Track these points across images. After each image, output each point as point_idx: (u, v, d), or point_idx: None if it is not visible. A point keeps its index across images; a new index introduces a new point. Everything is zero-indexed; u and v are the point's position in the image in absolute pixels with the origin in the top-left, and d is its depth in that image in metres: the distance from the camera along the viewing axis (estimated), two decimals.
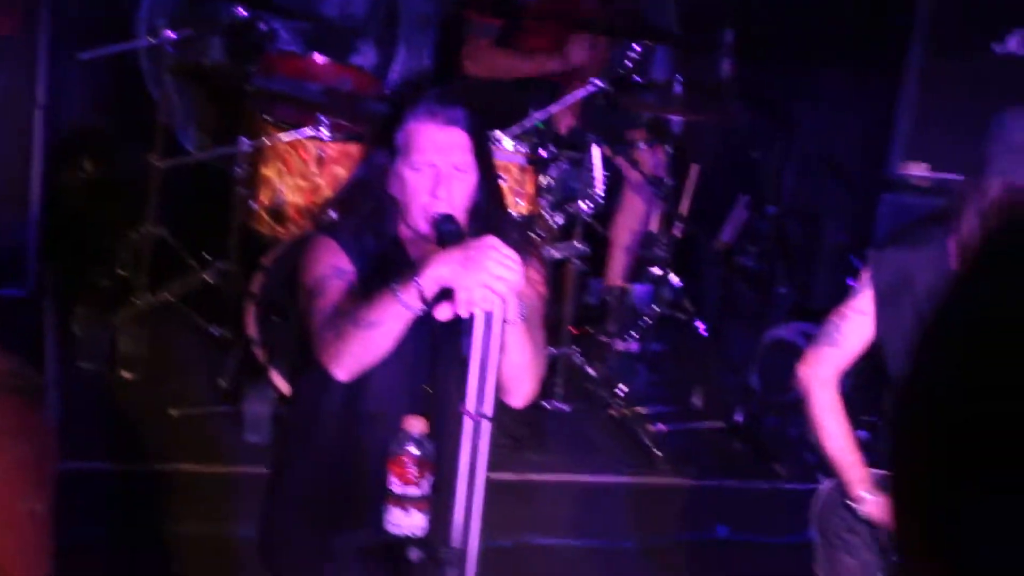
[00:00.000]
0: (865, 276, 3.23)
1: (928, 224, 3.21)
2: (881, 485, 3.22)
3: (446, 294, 2.63)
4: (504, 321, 2.61)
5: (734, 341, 5.64)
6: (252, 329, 4.68)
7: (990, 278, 0.83)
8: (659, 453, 4.90)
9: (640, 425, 5.01)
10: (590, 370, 5.12)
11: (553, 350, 4.96)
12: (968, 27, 5.45)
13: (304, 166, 4.99)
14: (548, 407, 5.03)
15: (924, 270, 3.11)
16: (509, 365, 2.75)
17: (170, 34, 5.05)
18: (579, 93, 5.13)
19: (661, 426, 5.01)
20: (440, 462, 2.62)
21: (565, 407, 5.02)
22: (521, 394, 2.88)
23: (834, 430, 3.24)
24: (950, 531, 0.81)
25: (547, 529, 4.48)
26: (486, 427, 2.59)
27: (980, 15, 5.45)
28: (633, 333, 5.38)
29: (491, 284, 2.58)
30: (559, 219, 5.20)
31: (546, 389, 5.04)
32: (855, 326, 3.24)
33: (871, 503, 3.19)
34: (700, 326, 5.49)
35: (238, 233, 5.05)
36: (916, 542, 0.84)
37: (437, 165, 2.88)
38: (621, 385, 5.16)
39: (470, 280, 2.60)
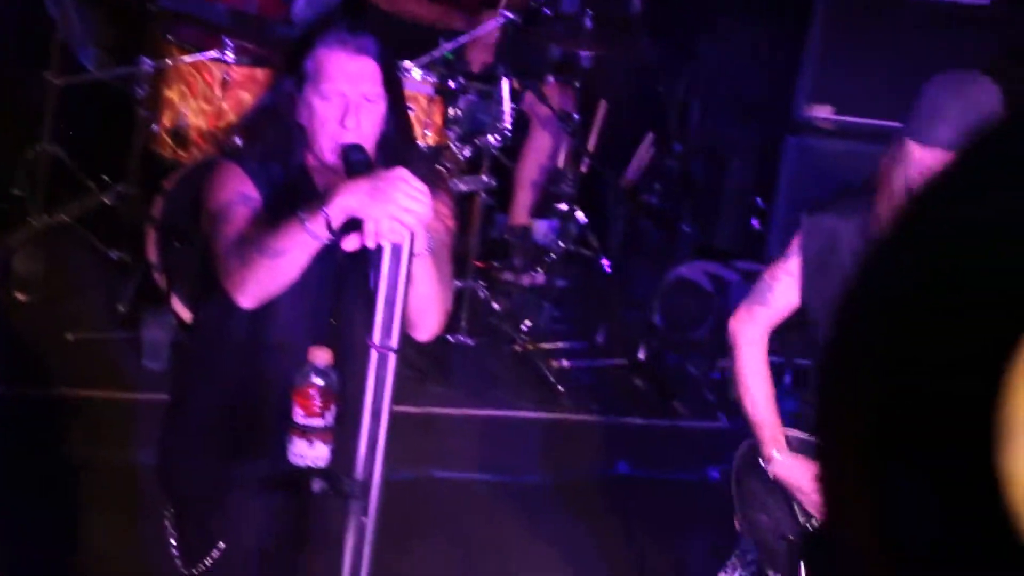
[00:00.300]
0: (796, 241, 3.25)
1: (858, 192, 3.23)
2: (795, 446, 3.26)
3: (354, 224, 2.60)
4: (412, 254, 2.58)
5: (638, 278, 5.66)
6: (152, 254, 4.62)
7: (908, 246, 0.82)
8: (561, 389, 4.93)
9: (543, 360, 5.03)
10: (495, 304, 5.12)
11: (458, 284, 4.94)
12: None
13: (208, 89, 4.93)
14: (452, 340, 5.02)
15: (851, 238, 3.14)
16: (416, 298, 2.72)
17: None
18: (489, 25, 5.09)
19: (564, 362, 5.03)
20: (345, 394, 2.59)
21: (469, 341, 5.02)
22: (427, 327, 2.85)
23: (755, 389, 3.28)
24: (873, 503, 0.80)
25: (449, 463, 4.48)
26: (392, 360, 2.56)
27: None
28: (538, 268, 5.38)
29: (399, 216, 2.54)
30: (467, 152, 5.17)
31: (451, 323, 5.02)
32: (785, 288, 3.26)
33: (780, 464, 3.23)
34: (605, 263, 5.50)
35: (139, 156, 4.98)
36: (840, 509, 0.84)
37: (346, 94, 2.83)
38: (526, 320, 5.17)
39: (378, 211, 2.56)
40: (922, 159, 3.01)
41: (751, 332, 3.30)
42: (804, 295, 3.24)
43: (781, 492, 3.31)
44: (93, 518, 3.91)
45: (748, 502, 3.39)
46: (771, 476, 3.27)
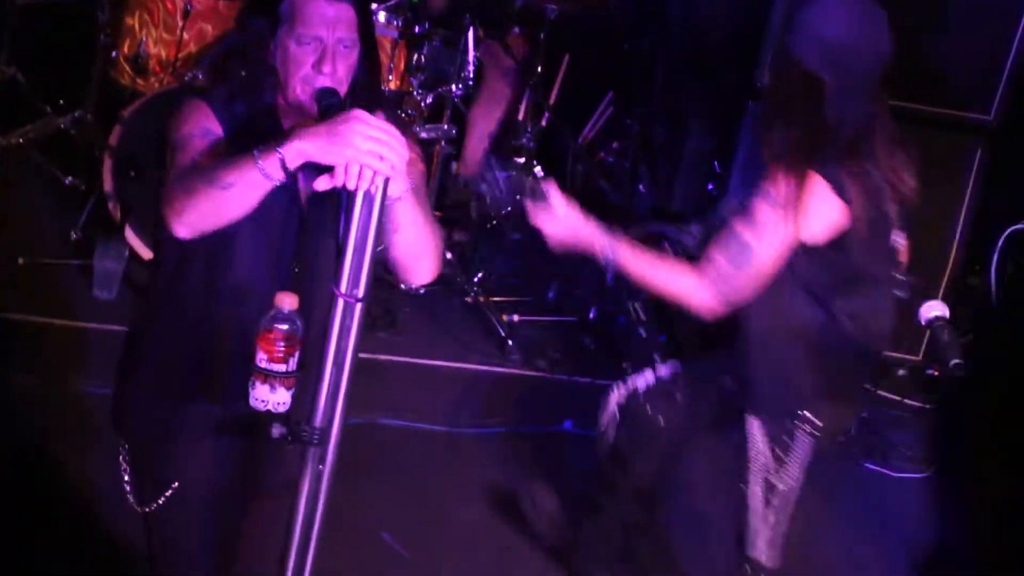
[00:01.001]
0: None
1: None
2: None
3: (325, 167, 2.58)
4: (384, 199, 2.57)
5: None
6: (107, 183, 4.59)
7: None
8: (511, 343, 4.95)
9: (494, 314, 5.04)
10: (448, 255, 5.12)
11: None
12: None
13: (170, 18, 4.90)
14: (402, 288, 5.02)
15: None
16: (406, 243, 2.72)
17: None
18: None
19: (515, 316, 5.04)
20: (307, 340, 2.59)
21: (420, 289, 5.01)
22: (425, 270, 2.82)
23: None
24: None
25: (395, 411, 4.49)
26: (358, 309, 2.56)
27: None
28: (492, 222, 5.38)
29: (361, 159, 2.53)
30: (428, 99, 5.15)
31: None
32: None
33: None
34: None
35: (97, 82, 4.94)
36: None
37: (323, 39, 2.81)
38: (478, 272, 5.17)
39: (335, 155, 2.53)
40: None
41: None
42: None
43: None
44: (42, 446, 3.89)
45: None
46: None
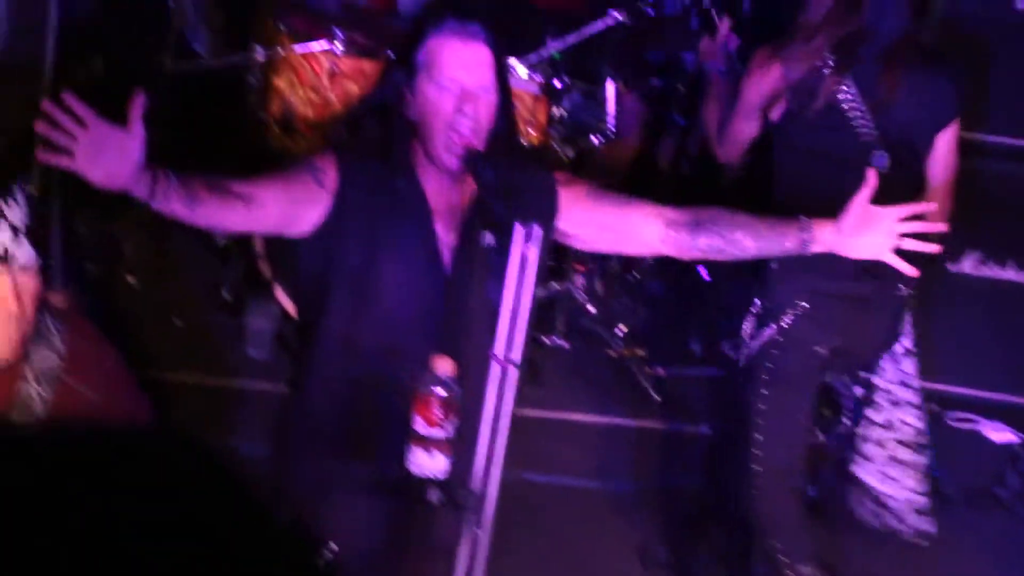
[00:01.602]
0: None
1: None
2: None
3: (495, 224, 2.58)
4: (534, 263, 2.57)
5: (736, 286, 5.61)
6: (258, 243, 4.66)
7: None
8: (657, 397, 4.92)
9: (639, 367, 5.01)
10: (591, 308, 5.11)
11: (555, 286, 4.95)
12: None
13: (317, 79, 4.95)
14: (548, 343, 5.02)
15: None
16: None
17: None
18: (597, 25, 5.07)
19: (660, 369, 5.01)
20: (464, 404, 2.60)
21: (564, 344, 5.02)
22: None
23: None
24: None
25: (540, 466, 4.47)
26: (514, 373, 2.57)
27: None
28: (635, 274, 5.36)
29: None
30: (569, 152, 5.16)
31: (546, 325, 5.04)
32: None
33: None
34: (702, 269, 5.47)
35: (247, 142, 5.00)
36: None
37: (462, 82, 2.82)
38: (621, 325, 5.15)
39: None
40: None
41: None
42: None
43: None
44: None
45: None
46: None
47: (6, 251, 2.42)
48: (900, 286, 3.71)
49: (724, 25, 4.03)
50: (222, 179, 2.69)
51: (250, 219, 2.72)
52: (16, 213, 2.43)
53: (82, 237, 4.84)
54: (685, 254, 2.99)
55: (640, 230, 2.97)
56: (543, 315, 5.03)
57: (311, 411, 2.99)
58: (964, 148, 3.85)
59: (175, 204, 2.60)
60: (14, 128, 4.92)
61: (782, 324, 3.64)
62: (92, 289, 4.75)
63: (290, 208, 2.76)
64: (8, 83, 4.89)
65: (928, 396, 5.01)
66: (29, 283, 2.46)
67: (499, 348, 2.56)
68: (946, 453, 4.72)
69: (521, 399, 4.60)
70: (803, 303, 3.61)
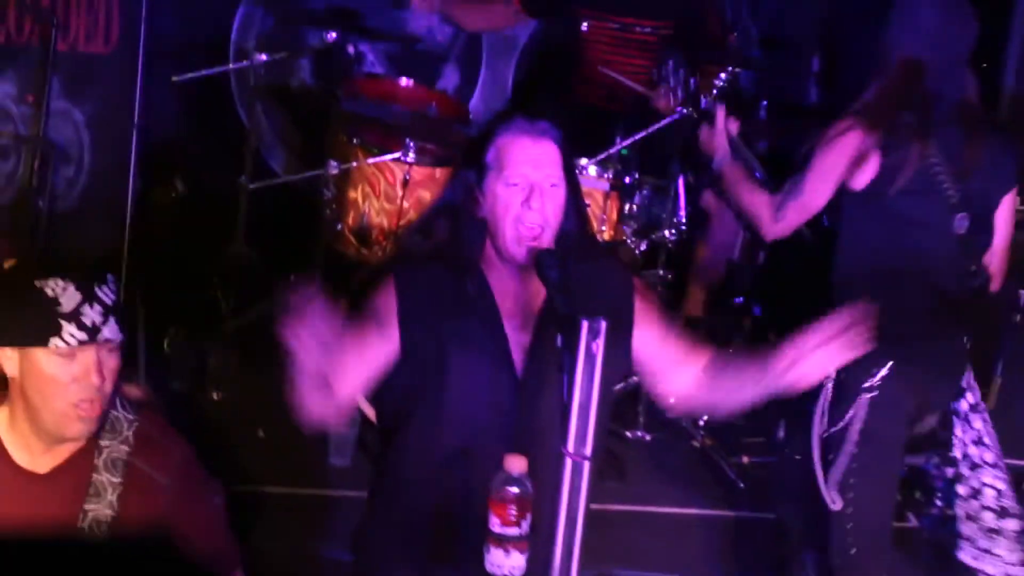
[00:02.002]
0: None
1: None
2: None
3: (563, 319, 2.60)
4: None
5: None
6: None
7: None
8: (742, 485, 4.88)
9: (723, 456, 4.98)
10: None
11: (635, 379, 4.93)
12: None
13: (390, 188, 5.02)
14: (630, 436, 5.01)
15: None
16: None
17: (260, 57, 5.08)
18: (665, 121, 5.10)
19: (744, 458, 4.97)
20: (536, 499, 2.60)
21: (647, 436, 5.00)
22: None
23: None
24: None
25: (628, 560, 4.44)
26: (586, 468, 2.56)
27: None
28: None
29: None
30: (643, 246, 5.18)
31: (628, 418, 5.03)
32: None
33: None
34: None
35: (324, 254, 5.08)
36: None
37: (530, 177, 2.87)
38: (703, 416, 5.13)
39: None
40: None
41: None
42: None
43: None
44: None
45: None
46: None
47: (95, 326, 2.56)
48: (964, 339, 3.79)
49: (720, 113, 4.21)
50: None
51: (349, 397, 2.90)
52: (108, 295, 2.59)
53: (169, 357, 4.94)
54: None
55: (681, 373, 3.03)
56: (625, 409, 5.02)
57: (392, 516, 3.01)
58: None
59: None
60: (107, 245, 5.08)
61: (868, 388, 3.64)
62: (178, 405, 4.84)
63: (371, 367, 2.89)
64: (95, 203, 5.06)
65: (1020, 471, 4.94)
66: (112, 360, 2.62)
67: (570, 444, 2.56)
68: None
69: (606, 494, 4.63)
70: (886, 365, 3.60)
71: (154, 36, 5.13)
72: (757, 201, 3.95)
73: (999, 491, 3.93)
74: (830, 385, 3.71)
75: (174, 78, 5.07)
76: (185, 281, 5.32)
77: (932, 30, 3.64)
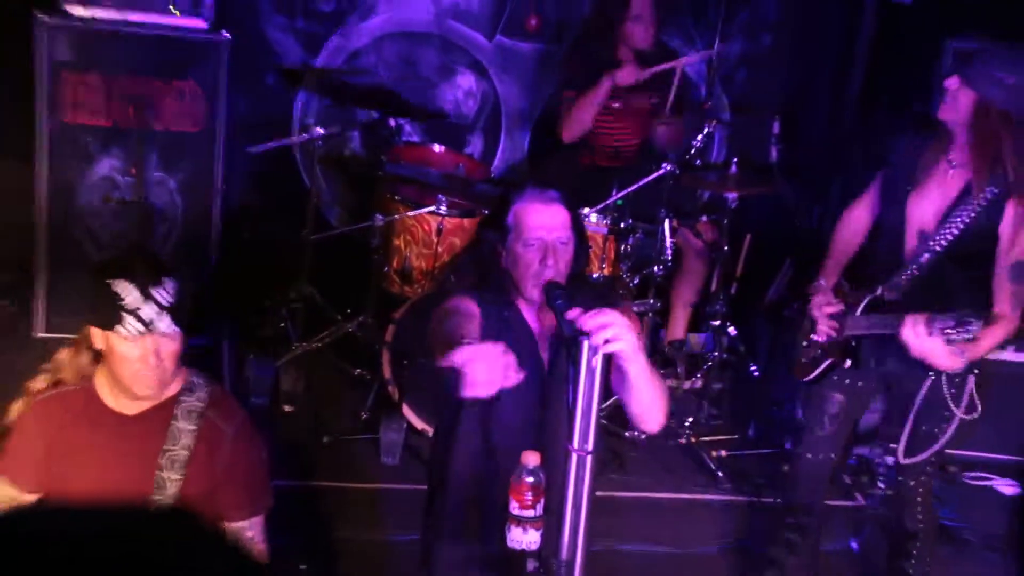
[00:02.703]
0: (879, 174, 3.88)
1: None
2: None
3: (568, 341, 2.63)
4: (626, 362, 2.63)
5: (781, 381, 5.60)
6: (386, 371, 4.75)
7: None
8: (720, 474, 4.91)
9: (705, 451, 5.01)
10: None
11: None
12: None
13: (427, 236, 5.05)
14: (627, 436, 5.04)
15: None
16: (640, 400, 2.76)
17: (318, 131, 5.13)
18: (652, 176, 5.15)
19: (722, 452, 5.00)
20: (551, 488, 2.65)
21: (642, 435, 5.03)
22: (655, 421, 2.86)
23: (834, 239, 3.96)
24: None
25: (629, 538, 4.48)
26: (589, 461, 2.61)
27: None
28: (698, 375, 5.38)
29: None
30: (636, 280, 5.22)
31: (626, 420, 5.05)
32: (872, 196, 3.88)
33: (818, 285, 3.93)
34: (753, 368, 5.48)
35: (374, 292, 5.10)
36: None
37: (545, 239, 2.90)
38: (688, 417, 5.17)
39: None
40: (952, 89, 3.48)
41: (851, 212, 3.95)
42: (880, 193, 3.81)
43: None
44: None
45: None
46: (808, 290, 3.95)
47: (151, 321, 2.67)
48: None
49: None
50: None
51: None
52: (164, 295, 2.69)
53: (249, 378, 4.97)
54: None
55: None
56: (623, 413, 5.04)
57: (442, 503, 3.05)
58: None
59: None
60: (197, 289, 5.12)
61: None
62: (258, 417, 4.87)
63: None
64: (187, 253, 5.09)
65: (950, 460, 4.96)
66: (170, 346, 2.72)
67: (575, 441, 2.62)
68: (965, 507, 4.65)
69: (611, 484, 4.66)
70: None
71: (232, 117, 5.16)
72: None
73: None
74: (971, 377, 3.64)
75: (248, 150, 5.15)
76: (261, 315, 5.36)
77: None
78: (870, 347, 3.79)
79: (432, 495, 3.13)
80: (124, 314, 2.66)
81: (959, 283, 3.58)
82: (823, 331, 3.83)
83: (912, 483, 3.80)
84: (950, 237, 3.55)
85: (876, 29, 5.90)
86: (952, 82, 3.49)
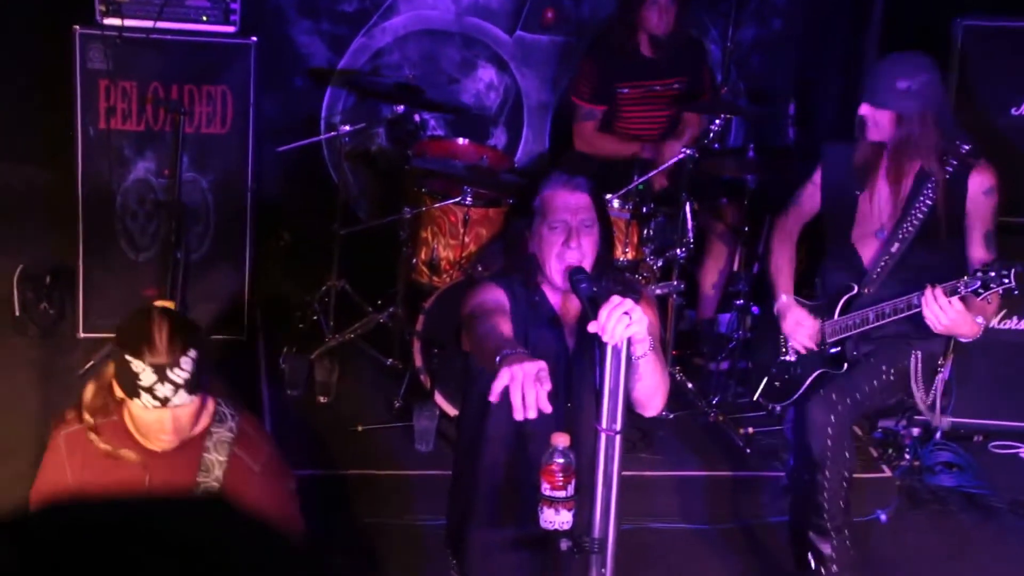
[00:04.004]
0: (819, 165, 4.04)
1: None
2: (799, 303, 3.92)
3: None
4: (630, 355, 2.60)
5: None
6: (417, 360, 4.72)
7: None
8: (748, 451, 4.86)
9: (732, 428, 4.96)
10: (689, 384, 5.09)
11: None
12: None
13: (454, 227, 5.03)
14: (658, 416, 4.99)
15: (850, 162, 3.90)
16: (644, 388, 2.75)
17: (344, 128, 5.12)
18: (672, 160, 5.11)
19: (749, 429, 4.95)
20: (580, 468, 2.61)
21: (669, 415, 4.99)
22: (654, 408, 2.88)
23: (778, 256, 4.04)
24: None
25: (659, 515, 4.45)
26: (618, 440, 2.58)
27: None
28: (723, 354, 5.33)
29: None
30: (659, 263, 5.17)
31: None
32: (809, 195, 4.05)
33: (783, 302, 3.96)
34: None
35: (403, 283, 5.08)
36: None
37: (569, 222, 2.89)
38: (715, 396, 5.12)
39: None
40: (868, 115, 3.66)
41: (786, 224, 4.08)
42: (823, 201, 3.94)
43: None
44: (386, 571, 3.98)
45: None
46: (775, 310, 3.97)
47: (167, 399, 2.65)
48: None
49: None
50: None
51: None
52: (180, 374, 2.64)
53: (284, 370, 4.97)
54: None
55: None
56: None
57: (470, 487, 3.03)
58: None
59: None
60: (232, 285, 5.12)
61: None
62: (294, 408, 4.87)
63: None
64: (220, 252, 5.10)
65: (977, 430, 4.90)
66: (185, 415, 2.70)
67: (604, 421, 2.58)
68: (992, 475, 4.59)
69: (641, 463, 4.63)
70: None
71: (260, 117, 5.16)
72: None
73: None
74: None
75: (278, 149, 5.14)
76: (294, 309, 5.34)
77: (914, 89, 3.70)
78: (852, 343, 3.87)
79: (459, 479, 3.10)
80: (141, 390, 2.65)
81: (936, 261, 3.67)
82: (795, 348, 3.86)
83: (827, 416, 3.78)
84: (916, 223, 3.67)
85: (885, 8, 5.80)
86: (865, 109, 3.67)
